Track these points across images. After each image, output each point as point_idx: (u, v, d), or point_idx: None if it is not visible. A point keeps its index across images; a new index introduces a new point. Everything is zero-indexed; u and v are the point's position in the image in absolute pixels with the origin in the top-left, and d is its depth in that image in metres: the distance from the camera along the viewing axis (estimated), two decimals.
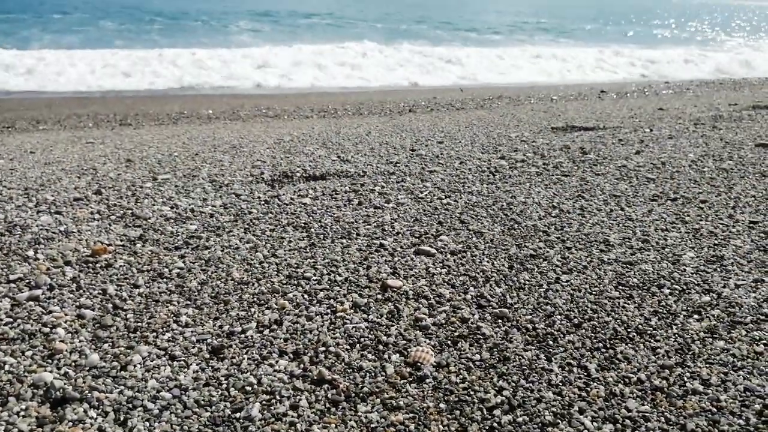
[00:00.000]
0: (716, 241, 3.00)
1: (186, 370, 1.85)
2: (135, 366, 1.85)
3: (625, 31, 31.66)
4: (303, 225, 3.11)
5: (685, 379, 1.89)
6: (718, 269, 2.67)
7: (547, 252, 2.82)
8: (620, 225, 3.20)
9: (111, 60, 13.52)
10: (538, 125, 6.46)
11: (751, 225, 3.22)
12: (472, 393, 1.79)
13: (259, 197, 3.57)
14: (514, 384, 1.84)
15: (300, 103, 9.78)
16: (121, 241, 2.83)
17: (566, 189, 3.86)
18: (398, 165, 4.43)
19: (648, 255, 2.81)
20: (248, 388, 1.77)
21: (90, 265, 2.55)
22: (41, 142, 5.90)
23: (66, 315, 2.13)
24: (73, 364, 1.86)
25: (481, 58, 16.49)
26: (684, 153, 4.92)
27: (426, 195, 3.67)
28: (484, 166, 4.43)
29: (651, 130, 6.03)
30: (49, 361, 1.87)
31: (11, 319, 2.09)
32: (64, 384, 1.75)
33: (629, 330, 2.16)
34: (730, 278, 2.59)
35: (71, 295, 2.27)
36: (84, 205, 3.35)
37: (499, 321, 2.20)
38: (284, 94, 11.61)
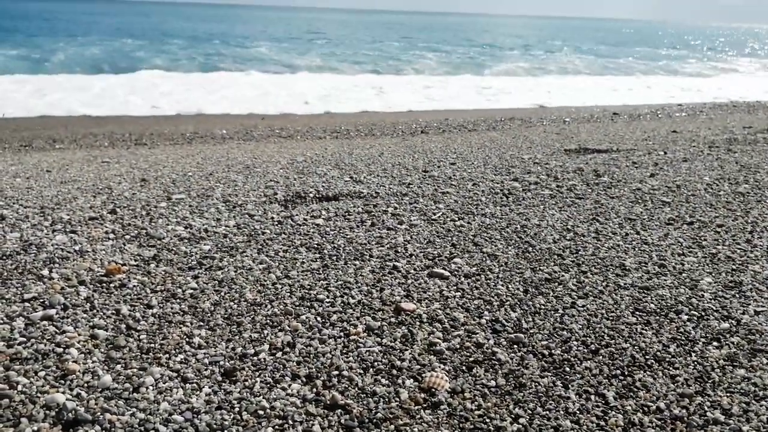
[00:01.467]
0: (734, 267, 2.96)
1: (198, 392, 1.83)
2: (147, 388, 1.84)
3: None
4: (316, 246, 3.10)
5: (706, 408, 1.85)
6: (737, 295, 2.63)
7: (563, 276, 2.79)
8: (636, 249, 3.17)
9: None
10: (551, 147, 6.44)
11: None
12: (487, 420, 1.76)
13: (272, 218, 3.58)
14: (530, 412, 1.81)
15: (312, 124, 9.84)
16: (135, 261, 2.84)
17: (580, 212, 3.83)
18: (411, 186, 4.43)
19: (665, 280, 2.78)
20: (261, 412, 1.75)
21: (104, 284, 2.56)
22: (57, 161, 5.96)
23: (79, 335, 2.12)
24: (86, 385, 1.85)
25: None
26: (699, 176, 4.89)
27: (439, 217, 3.66)
28: (497, 188, 4.42)
29: (665, 153, 6.00)
30: (62, 381, 1.86)
31: (25, 339, 2.09)
32: (77, 405, 1.74)
33: (647, 357, 2.12)
34: (750, 304, 2.54)
35: (85, 315, 2.27)
36: (99, 225, 3.37)
37: (515, 346, 2.17)
38: (296, 114, 11.69)
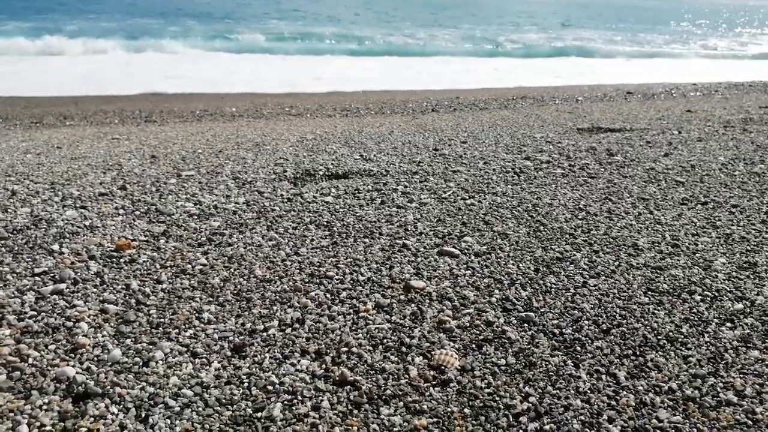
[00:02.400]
0: (749, 247, 2.91)
1: (208, 367, 1.83)
2: (157, 362, 1.84)
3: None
4: (325, 223, 3.09)
5: (719, 389, 1.83)
6: (751, 276, 2.60)
7: (574, 255, 2.76)
8: (649, 229, 3.13)
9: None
10: (564, 126, 6.37)
11: None
12: (497, 399, 1.75)
13: (281, 195, 3.56)
14: (540, 390, 1.80)
15: (323, 102, 9.78)
16: (145, 236, 2.83)
17: (593, 191, 3.79)
18: (421, 164, 4.39)
19: (678, 260, 2.74)
20: (270, 388, 1.75)
21: (114, 260, 2.56)
22: (68, 137, 5.96)
23: (89, 309, 2.13)
24: (96, 359, 1.85)
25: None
26: (714, 156, 4.82)
27: (449, 195, 3.63)
28: (508, 166, 4.37)
29: (679, 133, 5.91)
30: (72, 355, 1.87)
31: (35, 313, 2.09)
32: (87, 379, 1.74)
33: (659, 337, 2.10)
34: (764, 285, 2.51)
35: (95, 290, 2.28)
36: (109, 201, 3.37)
37: (525, 325, 2.16)
38: (307, 93, 11.62)
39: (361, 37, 21.19)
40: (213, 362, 1.86)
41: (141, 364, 1.84)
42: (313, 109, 8.92)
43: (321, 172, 4.12)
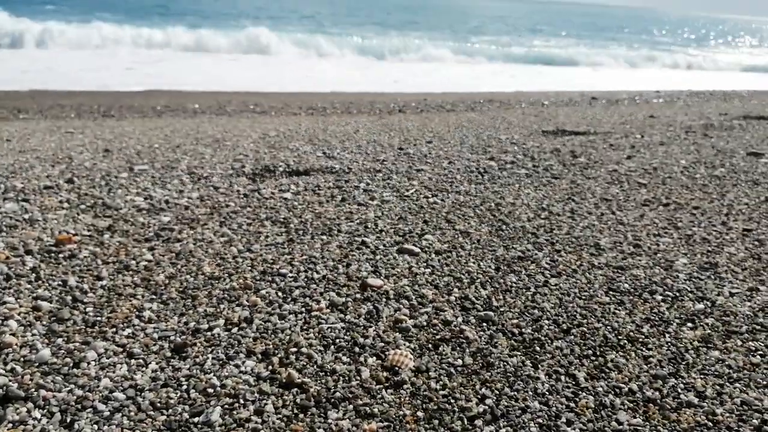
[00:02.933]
0: (709, 248, 2.90)
1: (144, 369, 1.71)
2: (89, 363, 1.71)
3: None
4: (282, 220, 2.97)
5: (679, 390, 1.78)
6: (712, 276, 2.57)
7: (536, 254, 2.71)
8: (611, 229, 3.09)
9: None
10: (529, 128, 6.36)
11: (744, 233, 3.13)
12: (452, 401, 1.67)
13: (238, 191, 3.43)
14: (497, 392, 1.72)
15: (289, 101, 9.63)
16: (89, 231, 2.68)
17: (556, 191, 3.75)
18: (385, 163, 4.31)
19: (640, 260, 2.71)
20: (210, 390, 1.63)
21: (52, 255, 2.40)
22: (19, 130, 5.71)
23: (21, 306, 1.98)
24: (22, 359, 1.71)
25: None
26: (676, 159, 4.84)
27: (412, 193, 3.55)
28: (473, 166, 4.32)
29: (642, 137, 5.95)
30: None
31: None
32: (9, 381, 1.60)
33: (620, 337, 2.05)
34: (725, 286, 2.49)
35: (29, 286, 2.12)
36: (54, 194, 3.19)
37: (484, 324, 2.08)
38: (275, 92, 11.44)
39: (331, 34, 21.10)
40: (150, 363, 1.74)
41: (71, 365, 1.70)
42: (279, 107, 8.77)
43: (281, 169, 4.00)
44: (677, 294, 2.39)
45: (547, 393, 1.73)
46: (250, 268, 2.40)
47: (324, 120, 7.11)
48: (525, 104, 9.84)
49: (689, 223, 3.24)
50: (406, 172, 4.07)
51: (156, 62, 13.72)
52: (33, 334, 1.83)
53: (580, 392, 1.74)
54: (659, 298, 2.35)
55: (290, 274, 2.36)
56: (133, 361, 1.74)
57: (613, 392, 1.75)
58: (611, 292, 2.37)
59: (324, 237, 2.78)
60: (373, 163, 4.29)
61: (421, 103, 9.51)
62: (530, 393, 1.72)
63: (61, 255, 2.40)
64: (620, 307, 2.26)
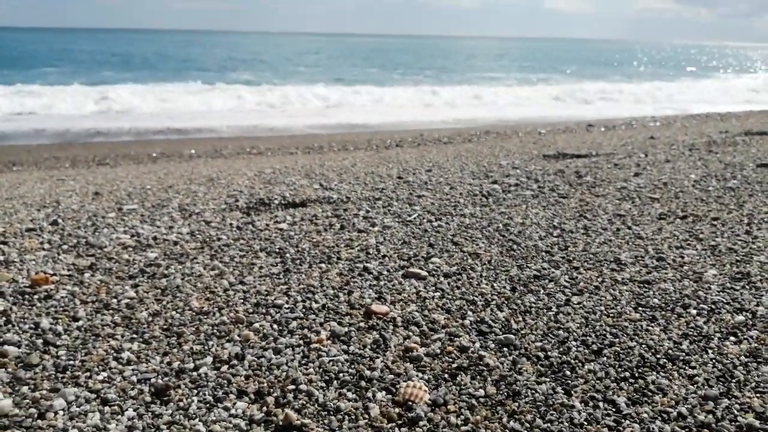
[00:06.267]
0: (738, 258, 2.69)
1: (119, 416, 1.48)
2: (56, 413, 1.48)
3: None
4: (277, 250, 2.77)
5: (735, 411, 1.55)
6: (747, 287, 2.36)
7: (553, 272, 2.49)
8: (630, 243, 2.89)
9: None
10: (529, 154, 6.21)
11: None
12: None
13: (230, 224, 3.24)
14: (528, 425, 1.49)
15: (285, 143, 9.54)
16: (68, 270, 2.47)
17: (566, 210, 3.56)
18: (384, 191, 4.13)
19: (666, 273, 2.49)
20: None
21: (26, 296, 2.19)
22: (10, 180, 5.57)
23: None
24: None
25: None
26: (685, 174, 4.67)
27: (415, 218, 3.36)
28: (476, 190, 4.13)
29: (646, 155, 5.80)
30: None
31: None
32: None
33: (658, 356, 1.82)
34: (763, 295, 2.27)
35: None
36: (36, 236, 3.00)
37: (505, 349, 1.86)
38: (272, 136, 11.38)
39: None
40: (127, 410, 1.51)
41: (36, 415, 1.47)
42: (275, 148, 8.67)
43: (276, 201, 3.82)
44: (713, 306, 2.17)
45: (585, 423, 1.50)
46: (242, 300, 2.19)
47: (320, 157, 6.98)
48: (522, 134, 9.74)
49: (711, 234, 3.04)
50: (407, 198, 3.89)
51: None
52: None
53: (623, 420, 1.51)
54: (694, 311, 2.13)
55: (286, 305, 2.15)
56: (107, 408, 1.52)
57: (660, 418, 1.52)
58: (641, 308, 2.16)
59: (323, 265, 2.57)
60: (372, 192, 4.11)
61: (417, 138, 9.40)
62: (566, 424, 1.49)
63: (35, 296, 2.19)
64: (653, 324, 2.04)
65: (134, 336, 1.90)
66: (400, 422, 1.49)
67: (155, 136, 11.35)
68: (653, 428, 1.48)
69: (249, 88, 17.96)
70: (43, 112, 12.96)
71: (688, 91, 21.79)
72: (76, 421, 1.46)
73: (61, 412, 1.49)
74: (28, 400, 1.54)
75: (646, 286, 2.37)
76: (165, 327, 1.97)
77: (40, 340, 1.86)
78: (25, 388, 1.59)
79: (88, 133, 11.35)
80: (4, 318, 2.01)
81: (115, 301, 2.17)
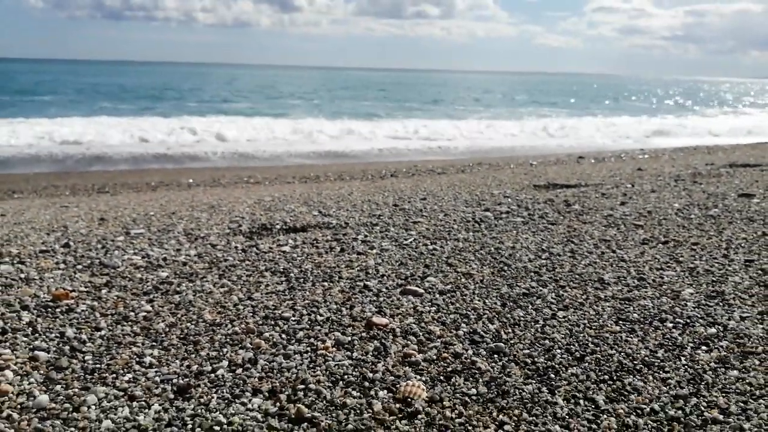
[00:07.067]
0: (714, 279, 2.88)
1: (147, 410, 1.64)
2: (89, 407, 1.64)
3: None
4: (282, 270, 2.94)
5: (702, 408, 1.72)
6: (721, 303, 2.54)
7: (541, 290, 2.67)
8: (613, 265, 3.08)
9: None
10: (520, 184, 6.44)
11: (747, 263, 3.12)
12: (469, 428, 1.60)
13: (236, 247, 3.41)
14: (516, 418, 1.65)
15: (282, 173, 9.76)
16: (86, 287, 2.63)
17: (554, 235, 3.75)
18: (381, 217, 4.32)
19: (646, 292, 2.68)
20: (217, 428, 1.56)
21: (49, 309, 2.35)
22: (14, 207, 5.72)
23: (17, 357, 1.91)
24: (19, 406, 1.64)
25: None
26: (669, 203, 4.89)
27: (411, 242, 3.54)
28: (469, 217, 4.33)
29: (633, 186, 6.03)
30: None
31: None
32: (5, 427, 1.53)
33: (636, 362, 1.99)
34: (734, 311, 2.45)
35: (25, 339, 2.06)
36: (50, 257, 3.16)
37: (495, 356, 2.03)
38: (267, 166, 11.61)
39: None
40: (153, 405, 1.67)
41: (71, 409, 1.63)
42: (272, 177, 8.88)
43: (278, 227, 4.00)
44: (688, 320, 2.35)
45: (567, 417, 1.66)
46: (251, 314, 2.35)
47: (318, 186, 7.18)
48: (513, 165, 10.00)
49: (690, 258, 3.23)
50: (403, 224, 4.08)
51: None
52: (30, 383, 1.77)
53: (601, 414, 1.68)
54: (670, 325, 2.31)
55: (293, 318, 2.31)
56: (135, 403, 1.67)
57: (635, 413, 1.69)
58: (621, 322, 2.33)
59: (325, 283, 2.74)
60: (369, 218, 4.30)
61: (411, 169, 9.65)
62: (550, 417, 1.66)
63: (58, 309, 2.35)
64: (632, 335, 2.21)
65: (154, 344, 2.06)
66: (400, 415, 1.65)
67: (151, 165, 11.59)
68: (628, 422, 1.64)
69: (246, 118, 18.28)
70: (43, 141, 13.15)
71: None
72: (108, 414, 1.61)
73: (93, 407, 1.64)
74: (62, 397, 1.69)
75: (627, 302, 2.55)
76: (182, 336, 2.13)
77: (67, 347, 2.01)
78: (58, 387, 1.75)
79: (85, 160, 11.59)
80: (31, 328, 2.16)
81: (132, 314, 2.33)
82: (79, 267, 2.96)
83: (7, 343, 2.02)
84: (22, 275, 2.76)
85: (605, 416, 1.67)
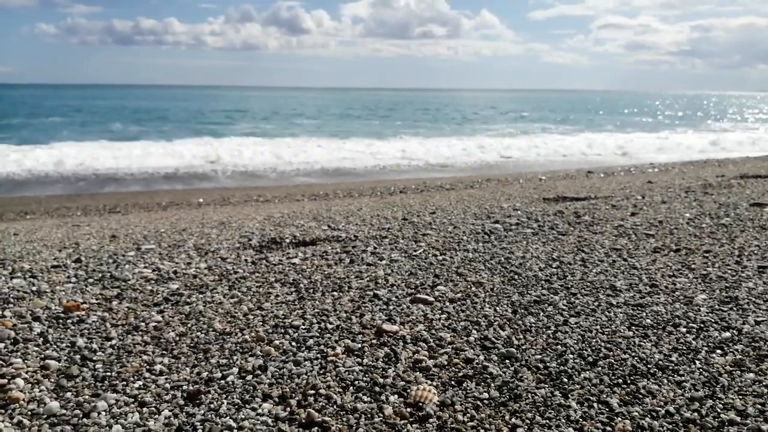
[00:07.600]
0: (727, 285, 2.85)
1: (157, 416, 1.63)
2: (99, 413, 1.64)
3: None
4: (291, 282, 2.94)
5: (719, 410, 1.69)
6: (734, 308, 2.51)
7: (552, 298, 2.65)
8: (625, 273, 3.05)
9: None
10: (530, 197, 6.42)
11: (760, 269, 3.09)
12: (482, 431, 1.58)
13: (245, 260, 3.42)
14: (529, 421, 1.63)
15: (291, 191, 9.81)
16: (97, 299, 2.64)
17: (564, 245, 3.73)
18: (390, 230, 4.32)
19: (658, 298, 2.65)
20: None
21: (61, 320, 2.36)
22: (26, 227, 5.77)
23: (28, 366, 1.92)
24: (30, 413, 1.64)
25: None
26: (680, 213, 4.86)
27: (420, 253, 3.53)
28: (478, 229, 4.32)
29: (643, 197, 6.00)
30: (2, 411, 1.64)
31: None
32: None
33: (649, 366, 1.97)
34: (749, 316, 2.42)
35: (36, 348, 2.07)
36: (62, 271, 3.18)
37: (507, 361, 2.01)
38: (276, 185, 11.68)
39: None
40: (163, 411, 1.66)
41: (81, 415, 1.62)
42: (282, 195, 8.92)
43: (287, 240, 4.00)
44: (701, 325, 2.32)
45: (580, 419, 1.64)
46: (261, 323, 2.35)
47: (327, 203, 7.20)
48: (522, 180, 10.00)
49: (703, 264, 3.20)
50: (412, 236, 4.07)
51: None
52: (41, 390, 1.77)
53: (615, 417, 1.65)
54: (683, 330, 2.29)
55: (303, 326, 2.31)
56: (145, 409, 1.67)
57: (650, 416, 1.66)
58: (634, 327, 2.31)
59: (335, 293, 2.74)
60: (378, 231, 4.30)
61: (420, 185, 9.66)
62: (563, 420, 1.64)
63: (69, 320, 2.36)
64: (645, 340, 2.19)
65: (164, 352, 2.06)
66: (411, 420, 1.63)
67: (161, 186, 11.68)
68: (643, 424, 1.62)
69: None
70: (55, 164, 13.30)
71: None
72: (119, 419, 1.61)
73: (103, 413, 1.64)
74: (72, 404, 1.69)
75: (640, 308, 2.52)
76: (192, 345, 2.12)
77: (78, 356, 2.01)
78: (68, 394, 1.75)
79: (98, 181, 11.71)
80: (42, 338, 2.17)
81: (143, 324, 2.33)
82: (90, 280, 2.98)
83: (19, 353, 2.03)
84: (34, 288, 2.77)
85: (620, 419, 1.64)
